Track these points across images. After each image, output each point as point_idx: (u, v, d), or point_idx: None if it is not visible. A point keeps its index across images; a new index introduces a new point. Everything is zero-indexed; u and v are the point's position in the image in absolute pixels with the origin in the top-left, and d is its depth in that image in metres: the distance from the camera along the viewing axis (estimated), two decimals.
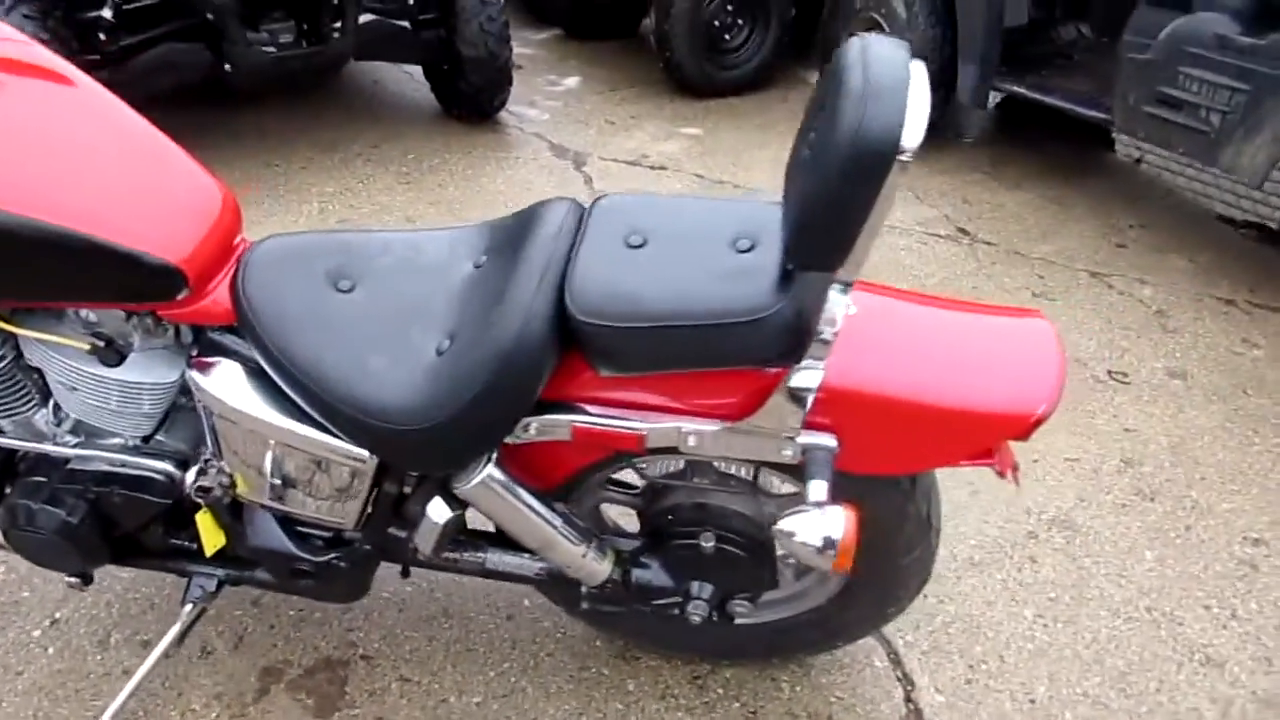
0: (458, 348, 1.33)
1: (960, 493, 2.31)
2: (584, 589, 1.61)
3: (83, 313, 1.46)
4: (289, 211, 3.57)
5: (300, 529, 1.60)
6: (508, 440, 1.40)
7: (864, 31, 4.24)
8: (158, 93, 3.73)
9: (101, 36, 3.37)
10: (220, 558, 1.65)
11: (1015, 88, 3.77)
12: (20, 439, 1.58)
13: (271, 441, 1.45)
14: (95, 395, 1.50)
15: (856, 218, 1.12)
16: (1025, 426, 1.31)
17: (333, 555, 1.59)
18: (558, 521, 1.47)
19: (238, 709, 1.78)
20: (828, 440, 1.33)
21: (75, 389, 1.50)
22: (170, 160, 1.45)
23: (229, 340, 1.47)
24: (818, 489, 1.27)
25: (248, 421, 1.43)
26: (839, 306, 1.20)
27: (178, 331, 1.49)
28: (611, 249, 1.33)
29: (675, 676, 1.87)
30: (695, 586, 1.59)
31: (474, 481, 1.39)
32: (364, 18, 3.83)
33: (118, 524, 1.61)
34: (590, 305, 1.27)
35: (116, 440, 1.58)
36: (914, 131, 1.07)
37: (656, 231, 1.36)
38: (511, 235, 1.42)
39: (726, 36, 4.64)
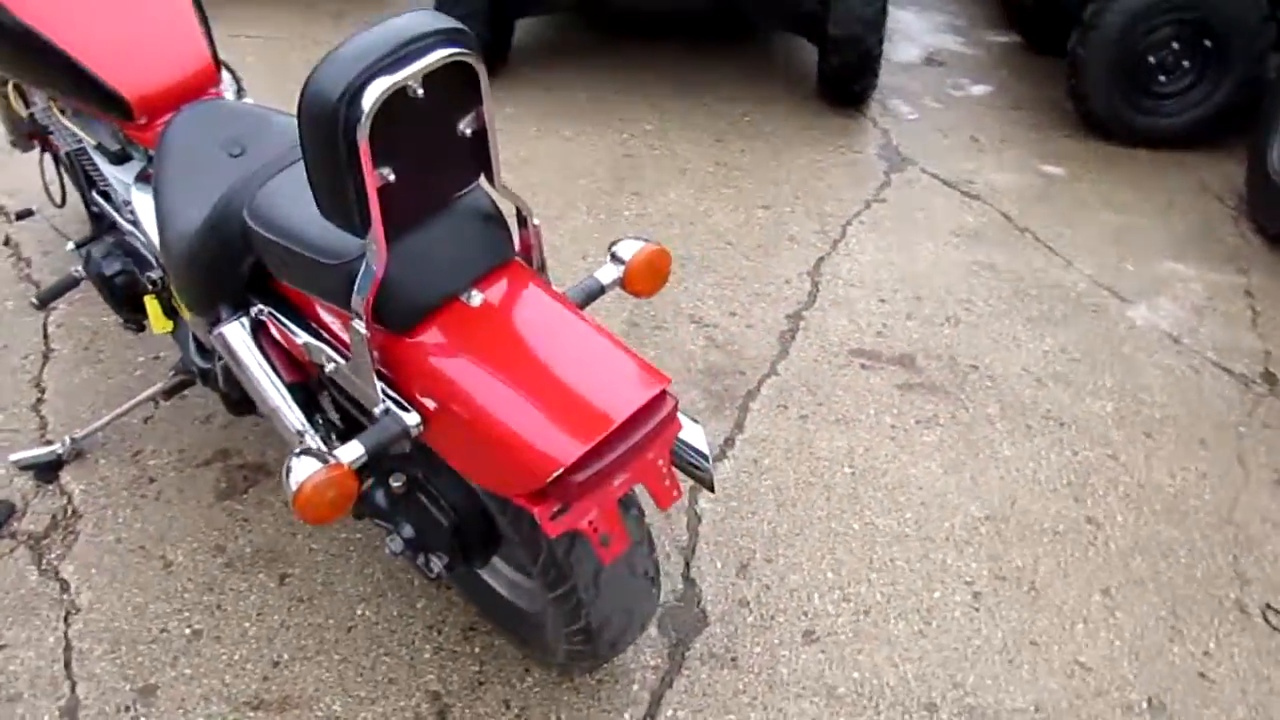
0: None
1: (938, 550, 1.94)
2: None
3: (107, 123, 1.95)
4: (597, 137, 3.89)
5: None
6: (256, 315, 1.60)
7: None
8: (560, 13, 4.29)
9: None
10: None
11: None
12: (112, 209, 2.16)
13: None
14: (113, 185, 2.01)
15: (328, 179, 1.11)
16: (540, 477, 1.17)
17: (209, 365, 1.95)
18: (278, 398, 1.63)
19: (183, 464, 2.26)
20: (407, 416, 1.32)
21: (104, 177, 2.02)
22: (174, 24, 1.86)
23: None
24: (349, 450, 1.28)
25: (140, 226, 1.82)
26: (371, 269, 1.20)
27: None
28: None
29: (456, 619, 1.94)
30: (399, 522, 1.65)
31: (214, 331, 1.62)
32: None
33: (135, 288, 2.13)
34: (252, 207, 1.41)
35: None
36: (369, 100, 1.04)
37: None
38: None
39: (1161, 78, 3.89)
